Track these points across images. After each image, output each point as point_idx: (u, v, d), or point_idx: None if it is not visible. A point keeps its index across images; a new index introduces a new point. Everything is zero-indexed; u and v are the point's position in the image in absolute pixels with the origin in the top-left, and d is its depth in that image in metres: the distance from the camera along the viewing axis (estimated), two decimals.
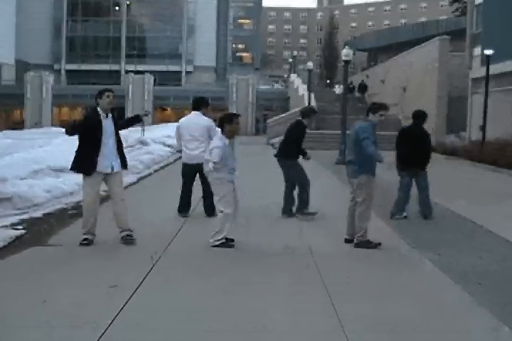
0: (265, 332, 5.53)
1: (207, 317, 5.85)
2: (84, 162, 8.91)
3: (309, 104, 40.74)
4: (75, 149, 9.03)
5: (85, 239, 8.91)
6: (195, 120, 11.20)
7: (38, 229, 9.91)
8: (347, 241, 9.42)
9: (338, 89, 53.03)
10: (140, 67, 78.11)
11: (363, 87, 54.01)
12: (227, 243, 8.92)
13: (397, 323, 5.77)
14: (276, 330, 5.60)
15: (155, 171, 20.16)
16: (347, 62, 28.37)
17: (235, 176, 9.03)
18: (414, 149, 11.47)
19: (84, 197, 9.19)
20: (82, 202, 9.38)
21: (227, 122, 8.99)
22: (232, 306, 6.24)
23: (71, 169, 9.21)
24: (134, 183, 16.30)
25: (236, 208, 9.17)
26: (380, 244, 9.10)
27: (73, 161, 9.04)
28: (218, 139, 8.97)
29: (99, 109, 8.96)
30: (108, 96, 8.94)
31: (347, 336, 5.38)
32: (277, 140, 34.64)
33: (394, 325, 5.73)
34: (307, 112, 11.37)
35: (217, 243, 8.88)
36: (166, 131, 30.72)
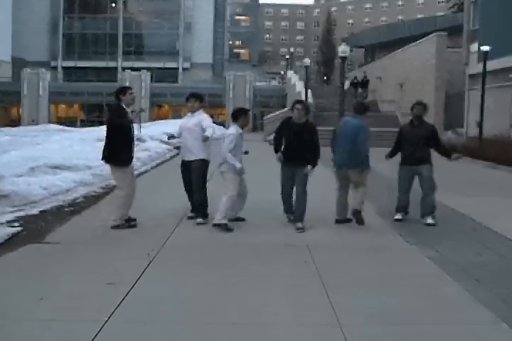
0: (265, 325, 5.59)
1: (207, 310, 5.91)
2: (125, 154, 9.72)
3: (306, 100, 40.62)
4: (110, 144, 9.71)
5: (122, 223, 9.81)
6: None
7: (35, 227, 9.88)
8: (338, 221, 10.68)
9: (345, 84, 50.89)
10: (137, 64, 77.85)
11: (365, 82, 52.28)
12: (228, 226, 9.81)
13: (397, 316, 5.82)
14: (276, 323, 5.65)
15: (152, 168, 20.14)
16: (344, 58, 28.41)
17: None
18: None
19: (126, 188, 9.85)
20: (123, 192, 9.87)
21: (244, 114, 10.12)
22: (233, 298, 6.29)
23: (111, 162, 9.83)
24: None
25: (245, 195, 10.45)
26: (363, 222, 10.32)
27: (113, 155, 9.66)
28: (234, 128, 10.01)
29: (123, 105, 9.70)
30: (131, 94, 9.86)
31: (346, 328, 5.42)
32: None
33: (393, 317, 5.78)
34: (291, 106, 10.33)
35: (220, 222, 9.78)
36: (163, 127, 30.66)
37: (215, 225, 9.83)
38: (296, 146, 10.01)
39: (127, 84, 62.20)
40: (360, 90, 51.18)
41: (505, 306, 6.16)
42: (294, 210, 10.32)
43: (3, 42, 72.63)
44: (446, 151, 11.25)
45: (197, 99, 10.53)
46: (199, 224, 10.24)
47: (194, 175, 10.36)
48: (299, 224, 10.03)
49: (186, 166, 10.52)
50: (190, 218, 10.66)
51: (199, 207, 10.51)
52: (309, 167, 9.96)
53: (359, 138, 10.11)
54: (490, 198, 13.90)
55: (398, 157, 11.09)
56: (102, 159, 10.00)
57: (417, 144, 10.73)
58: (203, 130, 10.26)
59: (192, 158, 10.41)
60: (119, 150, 9.60)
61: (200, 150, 10.40)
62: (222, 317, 5.75)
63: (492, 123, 29.10)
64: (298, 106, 10.11)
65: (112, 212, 10.00)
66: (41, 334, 5.27)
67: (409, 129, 10.97)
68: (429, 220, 10.68)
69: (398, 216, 11.01)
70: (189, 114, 10.68)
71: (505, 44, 28.59)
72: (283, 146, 10.26)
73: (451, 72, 36.69)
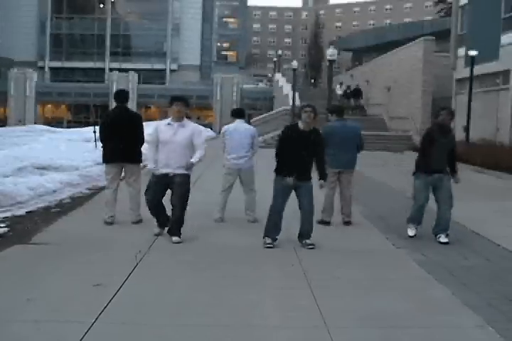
0: (254, 327, 5.60)
1: (195, 312, 5.92)
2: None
3: (293, 103, 40.55)
4: (135, 144, 10.32)
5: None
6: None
7: (22, 227, 9.84)
8: (326, 223, 10.85)
9: (340, 90, 47.85)
10: (124, 65, 77.81)
11: (357, 92, 48.89)
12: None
13: (384, 319, 5.84)
14: (265, 325, 5.65)
15: None
16: (332, 61, 28.46)
17: None
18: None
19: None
20: (140, 187, 10.51)
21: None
22: (221, 301, 6.29)
23: (137, 160, 10.54)
24: None
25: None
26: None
27: (139, 154, 10.38)
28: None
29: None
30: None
31: (334, 331, 5.43)
32: (261, 139, 34.69)
33: (380, 320, 5.79)
34: (298, 112, 9.32)
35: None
36: (149, 129, 30.51)
37: (253, 222, 10.73)
38: (304, 158, 8.97)
39: (114, 85, 62.19)
40: (352, 101, 48.67)
41: (491, 310, 6.19)
42: (304, 228, 9.17)
43: None
44: (455, 168, 10.11)
45: (184, 104, 9.36)
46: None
47: (179, 192, 9.27)
48: (309, 241, 9.06)
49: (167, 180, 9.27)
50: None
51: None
52: (322, 181, 9.26)
53: (362, 139, 11.09)
54: (477, 202, 13.95)
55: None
56: (124, 160, 10.33)
57: (444, 153, 9.76)
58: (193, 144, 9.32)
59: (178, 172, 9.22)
60: (140, 148, 10.27)
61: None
62: (211, 319, 5.74)
63: (479, 127, 29.20)
64: (307, 108, 8.99)
65: (134, 208, 10.39)
66: (29, 335, 5.24)
67: (440, 137, 9.72)
68: (444, 239, 9.61)
69: (413, 231, 9.92)
70: (168, 121, 9.34)
71: (493, 49, 28.72)
72: (284, 159, 9.01)
73: (439, 77, 36.80)
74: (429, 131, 9.94)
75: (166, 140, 9.15)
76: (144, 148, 10.13)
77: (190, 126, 9.35)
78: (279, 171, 9.01)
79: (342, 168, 10.99)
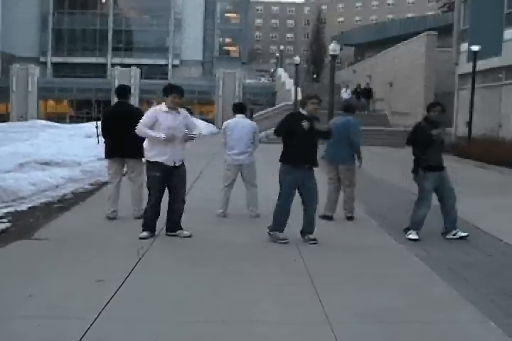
0: (254, 323, 5.59)
1: (196, 308, 5.92)
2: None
3: (296, 99, 40.46)
4: (138, 140, 9.66)
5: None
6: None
7: (24, 223, 9.84)
8: (328, 217, 10.82)
9: (345, 93, 44.24)
10: (127, 61, 77.59)
11: (367, 92, 46.29)
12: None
13: (385, 314, 5.84)
14: (265, 321, 5.64)
15: None
16: (334, 56, 28.40)
17: None
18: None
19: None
20: (141, 182, 10.29)
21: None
22: (222, 297, 6.29)
23: (140, 155, 10.11)
24: None
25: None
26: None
27: (141, 149, 9.82)
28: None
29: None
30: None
31: (335, 327, 5.43)
32: (263, 134, 34.67)
33: (382, 316, 5.79)
34: (302, 100, 9.34)
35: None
36: None
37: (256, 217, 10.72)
38: (311, 146, 8.91)
39: (116, 80, 62.04)
40: (363, 101, 45.68)
41: (493, 305, 6.19)
42: (307, 224, 9.10)
43: None
44: None
45: (181, 96, 9.11)
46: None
47: (182, 182, 9.28)
48: (312, 236, 9.03)
49: (169, 172, 9.07)
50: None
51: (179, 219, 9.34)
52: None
53: (354, 135, 10.89)
54: (478, 198, 13.94)
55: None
56: (124, 155, 10.31)
57: (441, 148, 9.63)
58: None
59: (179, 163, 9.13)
60: (141, 143, 9.91)
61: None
62: (211, 315, 5.74)
63: (481, 122, 29.17)
64: (315, 100, 8.93)
65: (136, 203, 10.29)
66: (29, 331, 5.24)
67: (434, 132, 9.36)
68: (463, 233, 9.50)
69: (415, 235, 9.42)
70: (166, 108, 9.00)
71: (495, 44, 28.66)
72: (290, 148, 8.90)
73: (441, 72, 36.77)
74: (422, 127, 9.57)
75: (168, 127, 8.86)
76: (146, 144, 9.53)
77: (185, 114, 9.26)
78: (291, 159, 8.87)
79: (334, 163, 11.03)
